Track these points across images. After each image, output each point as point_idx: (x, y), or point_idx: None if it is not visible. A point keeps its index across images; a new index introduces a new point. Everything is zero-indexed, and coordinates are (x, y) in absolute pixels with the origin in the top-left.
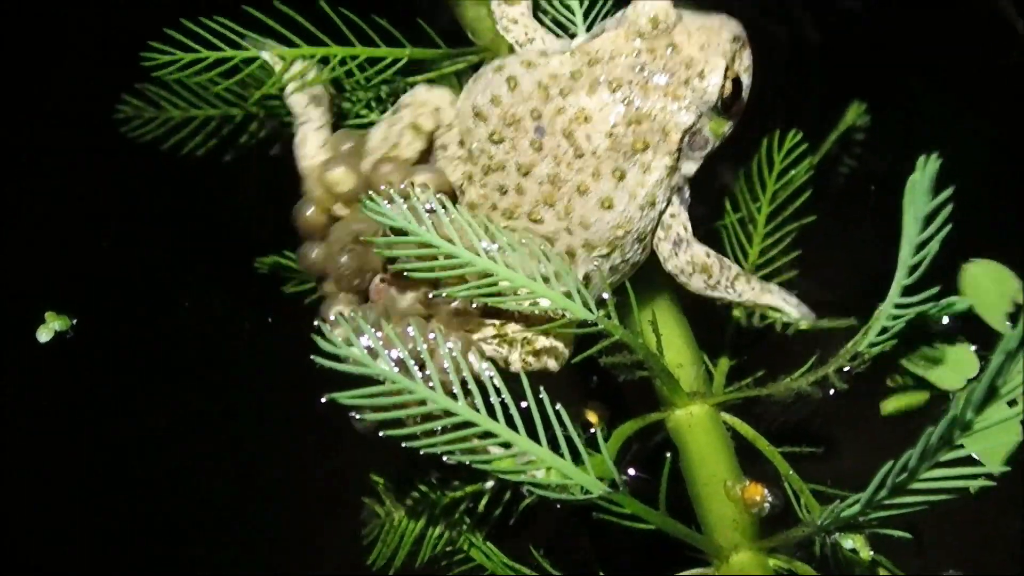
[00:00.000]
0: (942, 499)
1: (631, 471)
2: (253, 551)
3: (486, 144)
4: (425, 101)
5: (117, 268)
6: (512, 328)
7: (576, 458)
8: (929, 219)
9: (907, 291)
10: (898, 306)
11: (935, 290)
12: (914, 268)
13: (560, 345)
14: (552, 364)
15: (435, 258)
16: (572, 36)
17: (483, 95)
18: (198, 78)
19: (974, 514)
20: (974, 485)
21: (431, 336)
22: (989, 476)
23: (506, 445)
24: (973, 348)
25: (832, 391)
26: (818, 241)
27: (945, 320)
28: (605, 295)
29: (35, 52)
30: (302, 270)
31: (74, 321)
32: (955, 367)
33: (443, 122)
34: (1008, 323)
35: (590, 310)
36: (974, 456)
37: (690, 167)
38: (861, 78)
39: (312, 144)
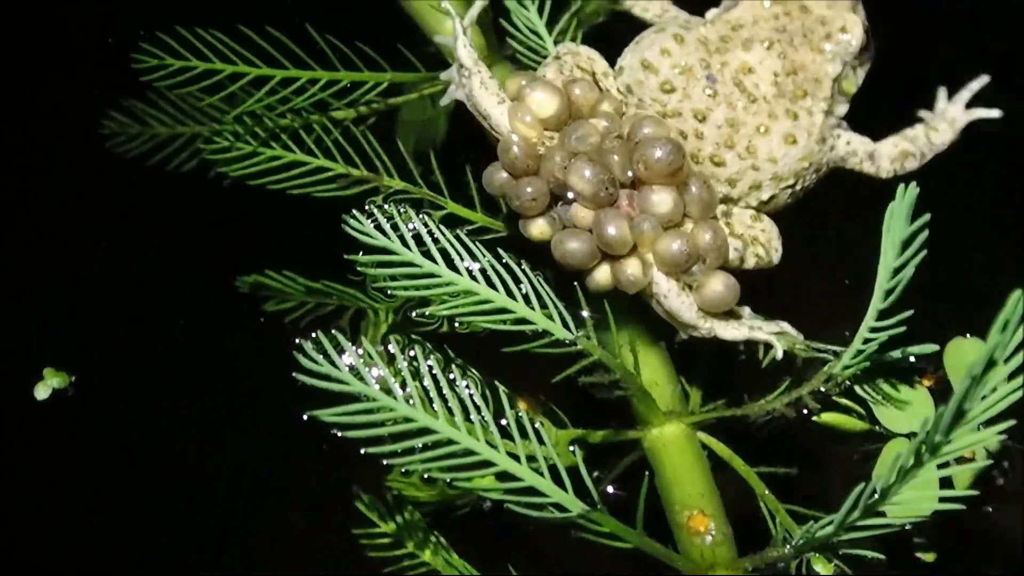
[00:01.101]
0: (915, 520)
1: (610, 488)
2: None
3: (657, 93)
4: (579, 51)
5: (103, 289)
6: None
7: (556, 477)
8: (906, 245)
9: (882, 315)
10: (872, 329)
11: (909, 313)
12: (889, 292)
13: (774, 237)
14: (776, 256)
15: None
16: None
17: (651, 50)
18: (185, 89)
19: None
20: (944, 507)
21: (411, 354)
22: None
23: (487, 463)
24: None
25: (806, 411)
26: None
27: (911, 359)
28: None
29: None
30: (522, 210)
31: (73, 378)
32: (907, 409)
33: (598, 70)
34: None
35: (570, 330)
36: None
37: (842, 109)
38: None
39: (492, 90)
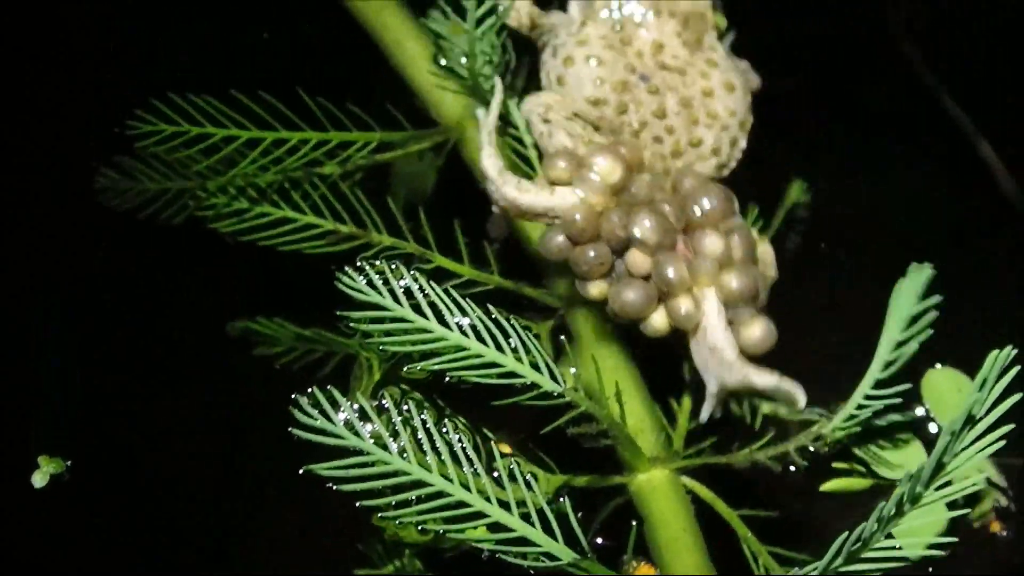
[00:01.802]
0: (895, 567)
1: (599, 537)
2: None
3: (619, 120)
4: (547, 101)
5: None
6: None
7: (546, 525)
8: (912, 321)
9: (879, 384)
10: (868, 397)
11: (907, 386)
12: (889, 364)
13: (771, 254)
14: (776, 272)
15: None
16: None
17: (588, 86)
18: (179, 153)
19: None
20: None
21: (404, 408)
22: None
23: (479, 515)
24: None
25: (792, 467)
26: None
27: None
28: None
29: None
30: (588, 274)
31: (68, 463)
32: (903, 461)
33: (568, 113)
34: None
35: (557, 383)
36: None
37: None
38: (801, 155)
39: (534, 187)
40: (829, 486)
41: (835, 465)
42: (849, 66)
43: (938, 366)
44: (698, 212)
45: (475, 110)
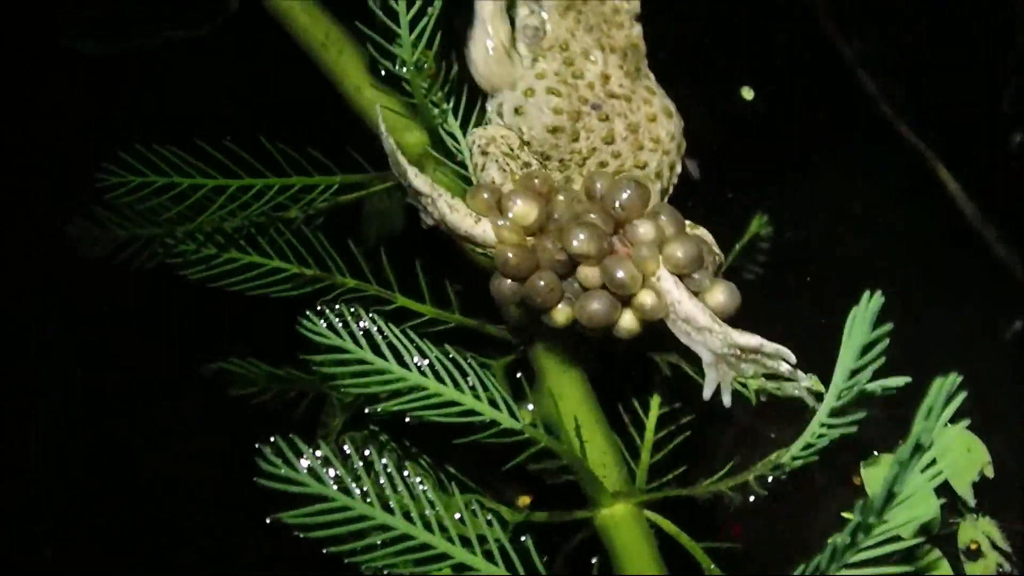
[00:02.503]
0: None
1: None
2: None
3: (571, 147)
4: (493, 134)
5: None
6: None
7: (509, 563)
8: (866, 349)
9: (834, 412)
10: (824, 425)
11: (862, 414)
12: (844, 392)
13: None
14: (721, 255)
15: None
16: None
17: (545, 115)
18: (148, 203)
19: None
20: None
21: (365, 454)
22: None
23: (444, 556)
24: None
25: (752, 497)
26: None
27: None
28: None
29: None
30: (547, 303)
31: None
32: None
33: (515, 146)
34: (971, 492)
35: (516, 419)
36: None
37: None
38: (761, 187)
39: (463, 211)
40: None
41: (844, 514)
42: (807, 95)
43: (950, 425)
44: (620, 208)
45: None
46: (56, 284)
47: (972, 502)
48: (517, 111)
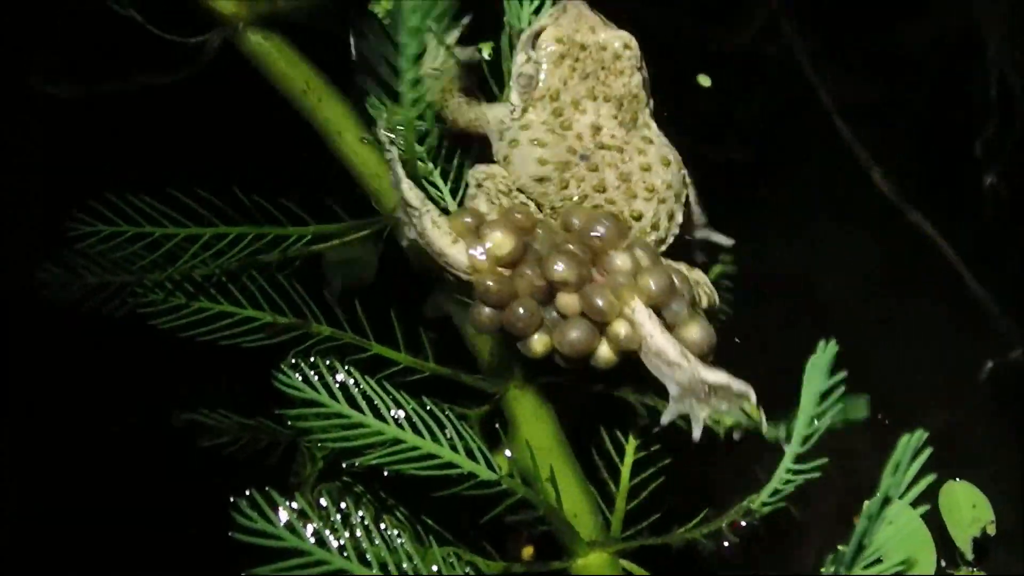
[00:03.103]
0: None
1: None
2: None
3: (560, 195)
4: (492, 172)
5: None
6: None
7: None
8: (824, 396)
9: (799, 459)
10: (789, 471)
11: (824, 461)
12: (807, 438)
13: (709, 282)
14: (717, 298)
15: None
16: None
17: (531, 165)
18: (120, 252)
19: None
20: None
21: (342, 506)
22: None
23: None
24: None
25: (726, 543)
26: None
27: None
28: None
29: None
30: (526, 330)
31: None
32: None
33: (513, 187)
34: (971, 546)
35: (493, 470)
36: None
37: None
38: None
39: (445, 229)
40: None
41: (840, 547)
42: (787, 141)
43: (956, 480)
44: (597, 240)
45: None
46: (23, 331)
47: (970, 556)
48: (505, 160)
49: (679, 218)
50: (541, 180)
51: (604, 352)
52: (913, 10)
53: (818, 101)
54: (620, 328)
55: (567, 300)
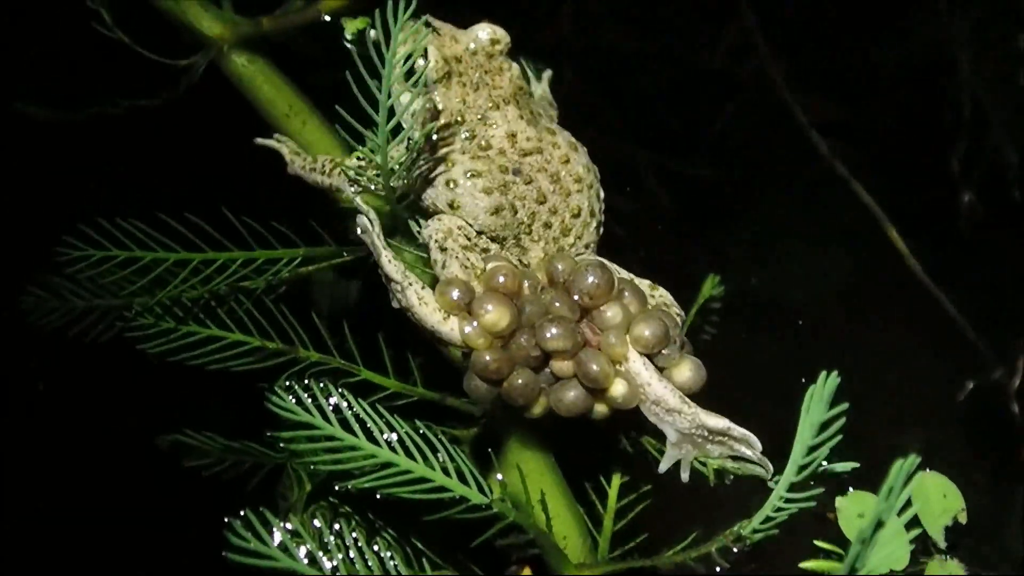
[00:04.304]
0: None
1: None
2: None
3: (515, 219)
4: (450, 227)
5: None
6: None
7: None
8: (823, 427)
9: (793, 488)
10: (785, 499)
11: (820, 491)
12: (803, 468)
13: (669, 295)
14: (680, 311)
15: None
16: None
17: (481, 200)
18: (111, 277)
19: (975, 514)
20: None
21: (335, 527)
22: None
23: None
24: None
25: (718, 569)
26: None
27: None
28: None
29: None
30: (528, 402)
31: None
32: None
33: (472, 236)
34: (943, 535)
35: (484, 494)
36: None
37: None
38: (715, 246)
39: (432, 305)
40: (808, 564)
41: (817, 543)
42: (767, 159)
43: (929, 471)
44: (587, 296)
45: (356, 225)
46: (8, 355)
47: (943, 544)
48: (452, 206)
49: (602, 193)
50: (496, 211)
51: (602, 410)
52: (886, 30)
53: (793, 119)
54: (618, 388)
55: (562, 365)
